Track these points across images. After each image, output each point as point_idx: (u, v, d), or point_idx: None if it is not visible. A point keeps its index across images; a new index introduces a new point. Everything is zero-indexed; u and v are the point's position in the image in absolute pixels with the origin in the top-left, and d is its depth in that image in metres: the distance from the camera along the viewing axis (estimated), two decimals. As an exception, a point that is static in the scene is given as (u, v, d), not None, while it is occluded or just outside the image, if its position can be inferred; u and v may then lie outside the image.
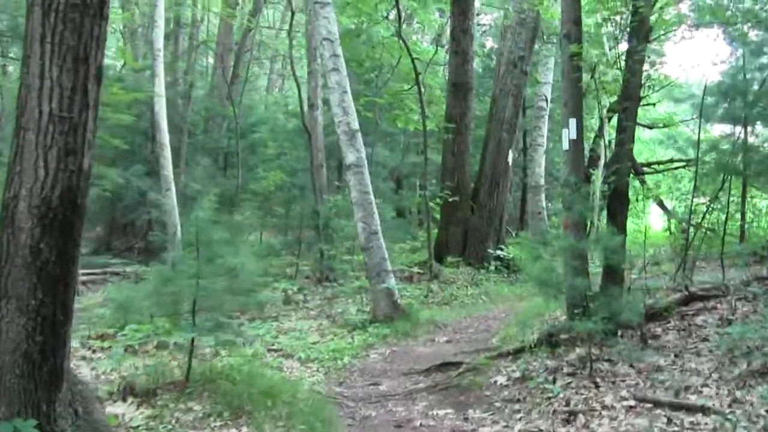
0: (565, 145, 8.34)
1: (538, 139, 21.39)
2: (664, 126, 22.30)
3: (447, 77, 19.57)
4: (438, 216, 17.88)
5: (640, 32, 8.31)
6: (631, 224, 10.52)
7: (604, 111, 13.21)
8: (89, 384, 5.71)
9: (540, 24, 18.17)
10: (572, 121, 8.18)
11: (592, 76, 9.85)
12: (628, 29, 8.56)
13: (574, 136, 8.22)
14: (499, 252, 16.78)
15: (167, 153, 16.51)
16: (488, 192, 17.45)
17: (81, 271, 15.75)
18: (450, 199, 16.47)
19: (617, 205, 8.33)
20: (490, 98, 18.71)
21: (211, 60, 30.72)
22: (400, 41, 16.66)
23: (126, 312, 6.99)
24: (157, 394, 6.14)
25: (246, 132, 24.37)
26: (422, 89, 16.30)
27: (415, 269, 15.10)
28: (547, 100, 21.31)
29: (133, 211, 20.95)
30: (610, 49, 11.08)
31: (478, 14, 26.29)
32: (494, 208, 17.51)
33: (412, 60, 15.91)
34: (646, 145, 27.03)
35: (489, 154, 17.68)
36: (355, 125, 11.65)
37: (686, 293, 8.88)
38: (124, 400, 6.07)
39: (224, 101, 25.39)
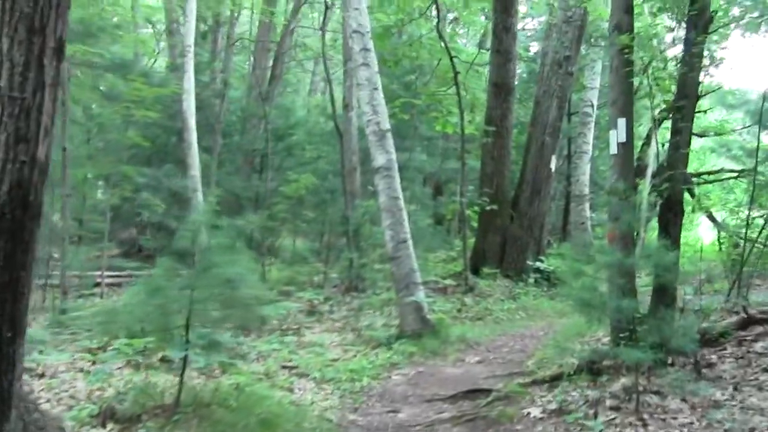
0: (613, 149, 7.48)
1: (583, 146, 20.57)
2: (716, 134, 21.36)
3: (487, 78, 18.77)
4: (475, 224, 17.06)
5: (700, 22, 7.43)
6: (679, 237, 9.69)
7: (656, 112, 12.31)
8: (50, 411, 5.02)
9: (587, 24, 17.27)
10: (621, 122, 7.32)
11: (644, 72, 9.00)
12: (686, 19, 7.69)
13: (623, 138, 7.36)
14: (538, 264, 15.94)
15: (195, 152, 15.94)
16: (529, 200, 16.62)
17: (106, 274, 15.40)
18: (488, 207, 15.61)
19: (670, 216, 7.46)
20: (533, 101, 17.86)
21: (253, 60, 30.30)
22: (439, 39, 15.91)
23: (111, 324, 6.28)
24: (141, 420, 5.45)
25: (284, 135, 23.81)
26: (461, 90, 15.46)
27: (449, 281, 14.31)
28: (593, 106, 20.51)
29: (164, 212, 20.50)
30: (662, 51, 10.18)
31: (523, 17, 25.55)
32: (535, 217, 16.67)
33: (451, 58, 15.11)
34: (695, 154, 25.96)
35: (530, 159, 16.84)
36: (386, 125, 10.86)
37: (744, 316, 7.96)
38: (104, 425, 5.39)
39: (262, 102, 24.90)
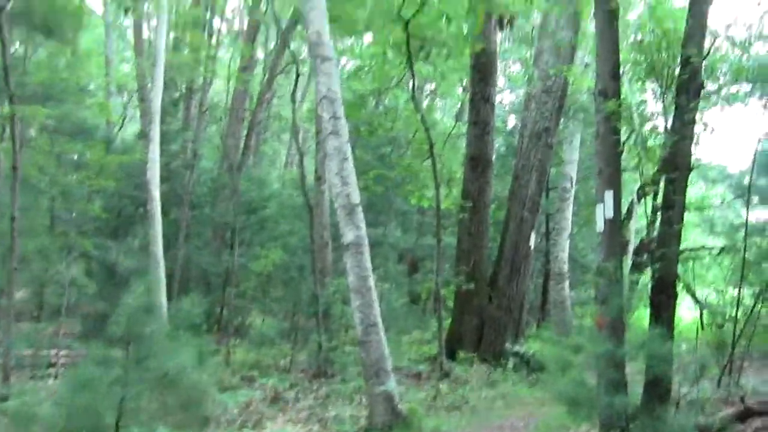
0: (600, 226, 6.84)
1: (562, 222, 20.04)
2: (697, 209, 21.08)
3: (464, 151, 18.26)
4: (452, 304, 16.31)
5: (691, 87, 6.87)
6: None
7: (637, 186, 11.82)
8: None
9: (567, 94, 16.84)
10: (608, 194, 6.71)
11: (630, 134, 8.49)
12: (675, 84, 7.15)
13: (610, 214, 6.73)
14: (518, 347, 15.16)
15: (158, 225, 15.13)
16: (508, 278, 15.91)
17: (62, 353, 14.44)
18: (465, 286, 14.91)
19: (663, 299, 6.81)
20: (512, 174, 17.31)
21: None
22: (414, 109, 15.45)
23: (27, 426, 5.37)
24: None
25: (257, 207, 23.10)
26: (437, 161, 14.88)
27: (423, 366, 13.51)
28: (572, 181, 20.03)
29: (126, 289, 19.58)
30: (648, 119, 9.73)
31: (500, 90, 25.33)
32: (514, 297, 15.95)
33: (426, 129, 14.55)
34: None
35: (509, 235, 16.19)
36: (356, 198, 10.16)
37: (742, 407, 7.29)
38: None
39: (234, 173, 24.26)
